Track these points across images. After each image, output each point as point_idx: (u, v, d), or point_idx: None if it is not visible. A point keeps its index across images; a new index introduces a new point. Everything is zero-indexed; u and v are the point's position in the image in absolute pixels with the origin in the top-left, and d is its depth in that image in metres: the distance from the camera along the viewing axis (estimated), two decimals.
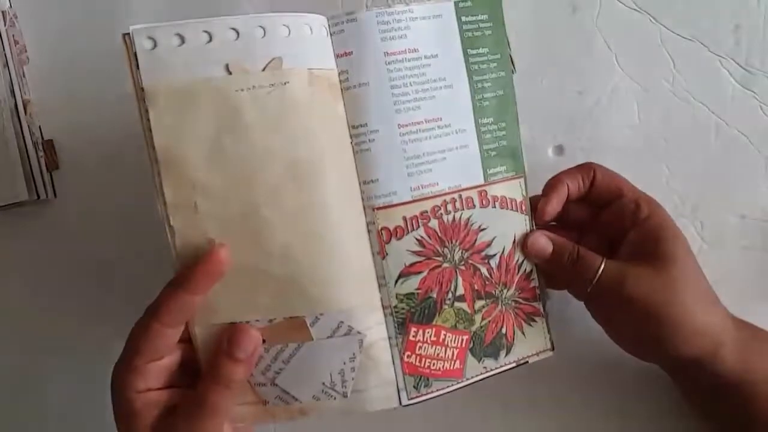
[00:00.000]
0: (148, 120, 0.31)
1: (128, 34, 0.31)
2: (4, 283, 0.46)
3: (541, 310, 0.39)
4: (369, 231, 0.35)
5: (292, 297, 0.33)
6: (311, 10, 0.43)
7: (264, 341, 0.34)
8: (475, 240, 0.37)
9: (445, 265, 0.36)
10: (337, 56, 0.34)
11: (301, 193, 0.32)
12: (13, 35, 0.44)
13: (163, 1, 0.46)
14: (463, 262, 0.37)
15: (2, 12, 0.44)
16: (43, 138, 0.45)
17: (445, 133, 0.36)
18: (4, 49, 0.44)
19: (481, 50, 0.37)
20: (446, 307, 0.36)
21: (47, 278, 0.46)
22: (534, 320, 0.39)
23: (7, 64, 0.44)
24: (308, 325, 0.33)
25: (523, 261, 0.39)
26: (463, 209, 0.36)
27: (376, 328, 0.35)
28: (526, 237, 0.38)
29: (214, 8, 0.45)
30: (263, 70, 0.31)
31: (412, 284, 0.36)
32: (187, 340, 0.35)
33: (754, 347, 0.37)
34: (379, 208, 0.35)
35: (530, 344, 0.39)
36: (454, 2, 0.36)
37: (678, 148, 0.45)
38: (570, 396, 0.44)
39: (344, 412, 0.35)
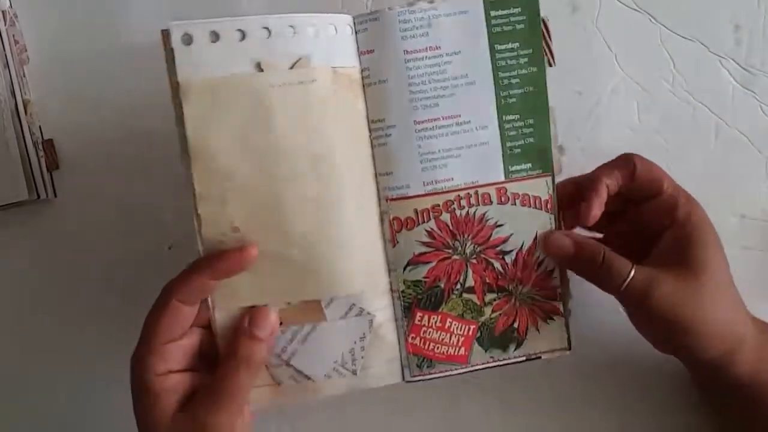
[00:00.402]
0: (182, 112, 0.33)
1: (166, 30, 0.32)
2: (3, 283, 0.46)
3: (561, 309, 0.38)
4: (382, 220, 0.37)
5: (309, 281, 0.35)
6: (310, 9, 0.44)
7: (281, 323, 0.35)
8: (490, 235, 0.37)
9: (455, 257, 0.37)
10: (361, 54, 0.36)
11: (321, 184, 0.34)
12: (14, 35, 0.45)
13: (163, 1, 0.46)
14: (474, 256, 0.37)
15: (2, 12, 0.44)
16: (43, 138, 0.45)
17: (464, 129, 0.37)
18: (4, 49, 0.44)
19: (510, 45, 0.36)
20: (454, 296, 0.38)
21: (47, 278, 0.46)
22: (552, 318, 0.38)
23: (7, 64, 0.44)
24: (323, 307, 0.36)
25: (544, 259, 0.38)
26: (479, 205, 0.37)
27: (384, 310, 0.37)
28: (547, 235, 0.38)
29: (213, 7, 0.45)
30: (291, 68, 0.33)
31: (419, 272, 0.37)
32: (205, 325, 0.35)
33: None
34: (392, 199, 0.37)
35: (545, 341, 0.38)
36: None
37: (678, 148, 0.45)
38: (571, 392, 0.44)
39: (353, 389, 0.37)
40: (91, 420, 0.46)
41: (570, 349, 0.39)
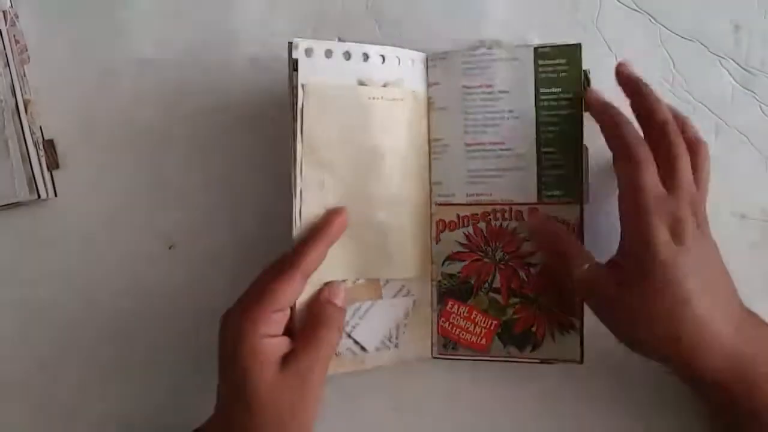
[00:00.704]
0: (301, 110, 0.39)
1: (291, 42, 0.39)
2: (3, 283, 0.46)
3: (577, 324, 0.41)
4: (432, 220, 0.44)
5: (378, 264, 0.42)
6: (311, 11, 0.44)
7: None
8: (519, 247, 0.42)
9: (486, 260, 0.43)
10: (429, 85, 0.43)
11: (397, 182, 0.42)
12: (14, 35, 0.45)
13: (163, 1, 0.46)
14: (503, 262, 0.43)
15: (3, 12, 0.44)
16: (43, 137, 0.45)
17: (506, 155, 0.42)
18: (5, 49, 0.44)
19: (553, 89, 0.42)
20: (481, 293, 0.43)
21: (47, 278, 0.46)
22: (568, 331, 0.42)
23: (8, 64, 0.44)
24: (381, 286, 0.42)
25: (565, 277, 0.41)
26: (511, 219, 0.42)
27: (425, 295, 0.44)
28: (531, 209, 0.42)
29: (213, 7, 0.46)
30: (384, 86, 0.41)
31: (455, 268, 0.43)
32: None
33: None
34: (439, 204, 0.44)
35: (559, 349, 0.42)
36: (534, 48, 0.42)
37: None
38: (571, 392, 0.44)
39: (393, 360, 0.43)
40: (91, 417, 0.46)
41: (582, 362, 0.41)
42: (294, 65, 0.39)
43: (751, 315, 0.38)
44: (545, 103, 0.42)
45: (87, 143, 0.46)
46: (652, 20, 0.45)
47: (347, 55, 0.40)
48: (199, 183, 0.46)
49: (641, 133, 0.38)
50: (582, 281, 0.38)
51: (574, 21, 0.45)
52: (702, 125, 0.43)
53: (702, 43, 0.44)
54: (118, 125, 0.46)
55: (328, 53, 0.39)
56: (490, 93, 0.42)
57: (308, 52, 0.39)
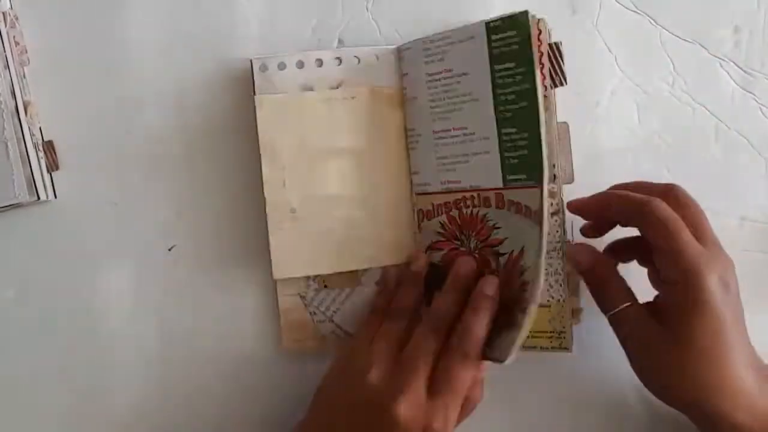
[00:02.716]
0: (256, 119, 0.42)
1: (250, 60, 0.43)
2: (3, 284, 0.46)
3: (519, 323, 0.37)
4: (413, 210, 0.44)
5: (349, 256, 0.44)
6: (309, 10, 0.44)
7: (325, 285, 0.44)
8: (489, 235, 0.41)
9: (462, 248, 0.42)
10: (403, 75, 0.44)
11: (360, 176, 0.44)
12: (14, 36, 0.45)
13: (163, 1, 0.46)
14: (477, 251, 0.42)
15: (3, 13, 0.44)
16: (43, 139, 0.45)
17: (470, 140, 0.41)
18: (4, 51, 0.44)
19: (507, 65, 0.39)
20: None
21: (47, 279, 0.46)
22: (509, 329, 0.38)
23: (7, 66, 0.44)
24: (359, 275, 0.44)
25: (524, 271, 0.39)
26: (480, 206, 0.41)
27: None
28: (571, 245, 0.41)
29: (212, 7, 0.45)
30: (336, 87, 0.43)
31: (436, 256, 0.43)
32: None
33: None
34: (418, 194, 0.44)
35: (499, 344, 0.38)
36: (485, 23, 0.39)
37: (678, 150, 0.45)
38: (571, 392, 0.44)
39: None
40: (91, 421, 0.46)
41: (503, 362, 0.37)
42: (252, 81, 0.43)
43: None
44: (501, 81, 0.39)
45: (87, 145, 0.46)
46: (652, 22, 0.44)
47: (300, 64, 0.43)
48: (200, 184, 0.46)
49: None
50: (621, 320, 0.38)
51: (573, 22, 0.45)
52: (702, 127, 0.43)
53: (702, 45, 0.44)
54: (118, 127, 0.46)
55: (282, 65, 0.43)
56: (450, 78, 0.41)
57: (262, 68, 0.43)
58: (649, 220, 0.37)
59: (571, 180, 0.41)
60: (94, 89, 0.46)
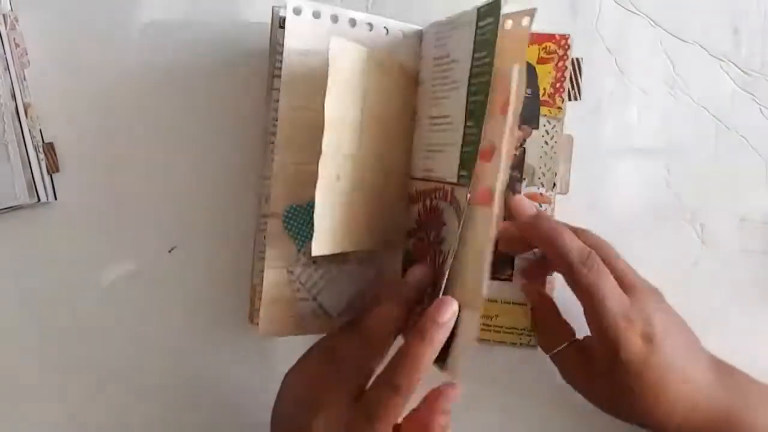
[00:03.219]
0: (328, 68, 0.35)
1: (273, 7, 0.39)
2: (3, 286, 0.46)
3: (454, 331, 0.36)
4: (407, 193, 0.42)
5: (365, 233, 0.40)
6: None
7: (314, 262, 0.40)
8: (439, 233, 0.39)
9: (425, 241, 0.40)
10: (420, 59, 0.41)
11: (381, 144, 0.40)
12: (14, 38, 0.45)
13: (163, 2, 0.46)
14: (434, 246, 0.39)
15: (3, 15, 0.44)
16: (43, 141, 0.45)
17: (450, 129, 0.38)
18: (5, 52, 0.44)
19: (482, 53, 0.36)
20: None
21: (47, 281, 0.46)
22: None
23: (8, 68, 0.44)
24: (348, 254, 0.40)
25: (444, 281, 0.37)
26: (440, 200, 0.39)
27: (394, 263, 0.43)
28: (524, 274, 0.43)
29: (216, 5, 0.46)
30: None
31: (408, 245, 0.42)
32: None
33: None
34: (412, 178, 0.42)
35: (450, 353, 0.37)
36: (477, 8, 0.36)
37: (678, 151, 0.45)
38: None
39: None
40: (91, 422, 0.46)
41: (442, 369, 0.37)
42: (281, 23, 0.38)
43: (719, 363, 0.39)
44: (476, 70, 0.36)
45: (87, 146, 0.46)
46: (652, 23, 0.45)
47: (334, 19, 0.39)
48: (201, 185, 0.46)
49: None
50: (560, 359, 0.41)
51: (573, 23, 0.45)
52: (702, 128, 0.43)
53: (702, 46, 0.44)
54: (118, 128, 0.46)
55: (316, 14, 0.38)
56: (448, 63, 0.39)
57: (296, 10, 0.37)
58: (570, 263, 0.37)
59: (566, 191, 0.41)
60: (94, 91, 0.46)
